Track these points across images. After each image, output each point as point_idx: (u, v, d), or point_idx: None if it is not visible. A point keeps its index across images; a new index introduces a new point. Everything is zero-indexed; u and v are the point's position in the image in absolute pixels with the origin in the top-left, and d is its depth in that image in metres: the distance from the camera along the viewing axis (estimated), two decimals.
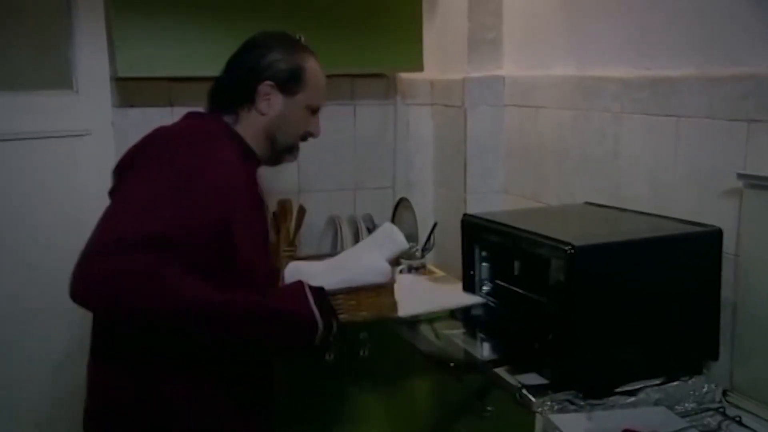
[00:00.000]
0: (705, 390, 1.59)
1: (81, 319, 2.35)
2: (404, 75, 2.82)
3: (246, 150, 1.56)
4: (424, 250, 2.58)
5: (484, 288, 1.94)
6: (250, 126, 1.56)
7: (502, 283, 1.84)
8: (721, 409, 1.56)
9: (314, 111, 1.61)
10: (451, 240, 1.97)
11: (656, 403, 1.56)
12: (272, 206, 2.52)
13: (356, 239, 2.64)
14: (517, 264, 1.84)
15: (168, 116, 2.57)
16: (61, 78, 2.31)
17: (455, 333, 1.98)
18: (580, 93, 2.14)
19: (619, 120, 1.99)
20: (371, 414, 2.43)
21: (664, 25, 1.85)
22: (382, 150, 2.81)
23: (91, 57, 2.33)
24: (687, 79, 1.75)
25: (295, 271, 1.63)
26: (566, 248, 1.53)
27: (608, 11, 2.06)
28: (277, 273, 1.63)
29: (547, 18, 2.34)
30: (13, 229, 2.17)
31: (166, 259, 1.24)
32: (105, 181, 2.44)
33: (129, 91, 2.49)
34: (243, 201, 1.44)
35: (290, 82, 1.55)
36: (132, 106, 2.52)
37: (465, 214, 1.98)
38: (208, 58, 2.37)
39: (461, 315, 2.01)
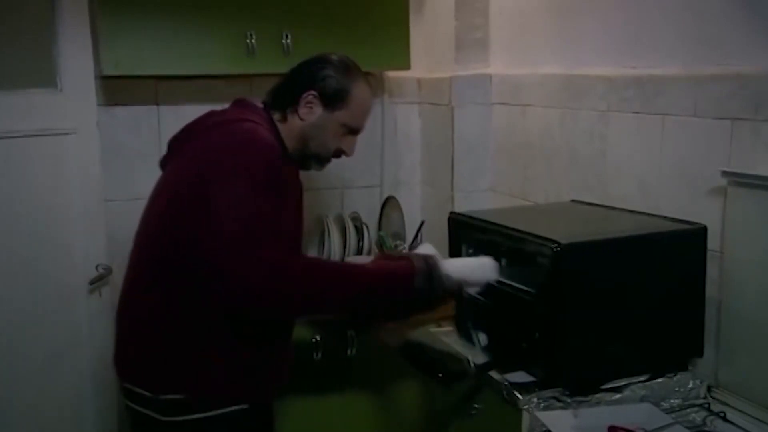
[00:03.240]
0: (690, 386, 1.61)
1: (69, 316, 2.35)
2: (391, 73, 2.81)
3: (282, 147, 1.68)
4: (412, 248, 2.58)
5: None
6: (287, 125, 1.70)
7: (489, 282, 1.84)
8: (705, 405, 1.57)
9: (352, 131, 1.74)
10: (439, 238, 1.97)
11: (642, 400, 1.57)
12: None
13: (344, 238, 2.64)
14: (504, 262, 1.84)
15: (154, 115, 2.56)
16: (45, 76, 2.29)
17: (443, 331, 1.98)
18: (568, 91, 2.15)
19: (606, 118, 2.00)
20: (359, 414, 2.43)
21: (651, 25, 1.87)
22: (370, 148, 2.81)
23: (76, 55, 2.31)
24: (673, 78, 1.76)
25: None
26: (552, 246, 1.53)
27: (595, 10, 2.06)
28: None
29: (535, 17, 2.34)
30: None
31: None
32: (91, 180, 2.44)
33: (114, 89, 2.48)
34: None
35: (333, 99, 1.68)
36: (117, 104, 2.50)
37: (452, 212, 1.98)
38: (194, 56, 2.37)
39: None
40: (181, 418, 1.56)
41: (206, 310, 1.54)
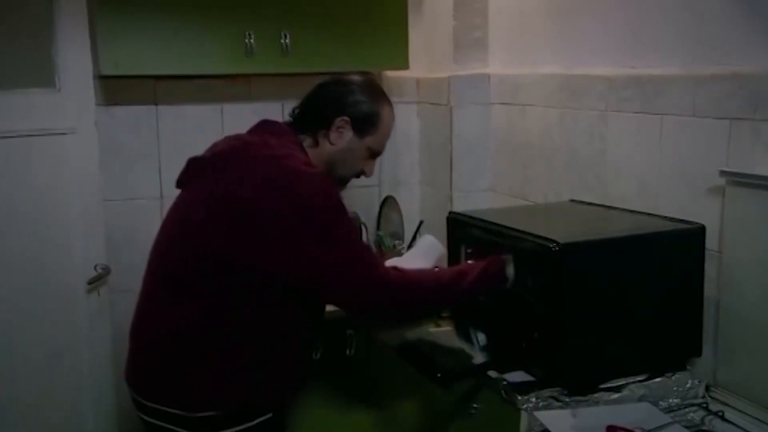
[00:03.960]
0: (688, 386, 1.61)
1: (68, 316, 2.35)
2: (390, 73, 2.82)
3: None
4: (410, 248, 2.58)
5: None
6: (318, 150, 1.69)
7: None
8: (704, 405, 1.57)
9: (374, 155, 1.75)
10: (438, 238, 1.97)
11: (640, 399, 1.57)
12: None
13: None
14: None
15: (153, 115, 2.56)
16: (43, 76, 2.29)
17: (442, 331, 1.98)
18: (567, 91, 2.15)
19: (605, 118, 2.00)
20: (357, 414, 2.43)
21: (651, 25, 1.87)
22: None
23: (75, 55, 2.31)
24: (672, 78, 1.76)
25: None
26: (552, 246, 1.53)
27: (595, 10, 2.07)
28: None
29: (534, 17, 2.34)
30: None
31: None
32: (90, 180, 2.44)
33: (113, 89, 2.48)
34: None
35: (364, 124, 1.69)
36: (116, 104, 2.50)
37: (451, 212, 1.98)
38: (192, 56, 2.37)
39: (449, 313, 2.02)
40: None
41: (236, 324, 1.55)
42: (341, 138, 1.68)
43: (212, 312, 1.54)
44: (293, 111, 1.74)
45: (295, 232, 1.50)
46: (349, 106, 1.68)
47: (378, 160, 1.80)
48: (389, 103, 1.75)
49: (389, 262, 1.96)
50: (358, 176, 1.77)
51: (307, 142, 1.69)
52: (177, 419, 1.56)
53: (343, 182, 1.76)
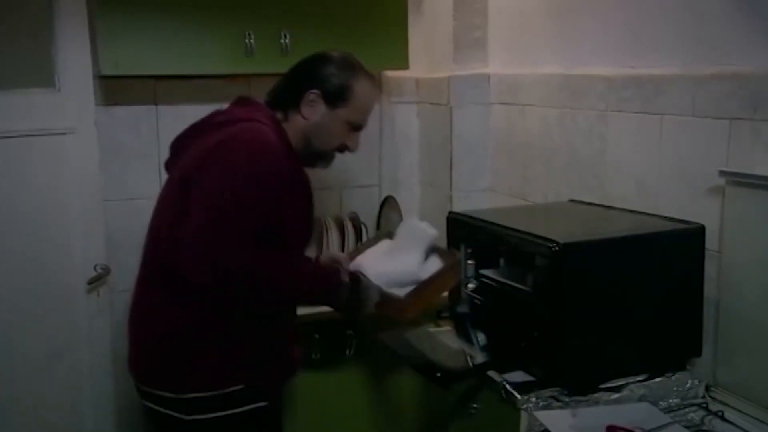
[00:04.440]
0: (688, 386, 1.61)
1: (68, 316, 2.35)
2: (390, 73, 2.81)
3: (288, 145, 1.70)
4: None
5: (470, 285, 1.94)
6: (294, 125, 1.71)
7: (488, 281, 1.84)
8: (704, 405, 1.57)
9: (356, 128, 1.74)
10: (438, 238, 1.97)
11: (640, 399, 1.57)
12: None
13: (342, 239, 2.64)
14: (502, 262, 1.85)
15: (153, 115, 2.56)
16: (43, 76, 2.29)
17: (441, 331, 1.98)
18: (567, 91, 2.15)
19: (605, 118, 2.00)
20: (357, 414, 2.43)
21: (651, 25, 1.87)
22: (368, 148, 2.80)
23: (74, 55, 2.31)
24: (672, 78, 1.76)
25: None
26: (551, 246, 1.54)
27: (595, 10, 2.07)
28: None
29: (534, 17, 2.34)
30: None
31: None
32: (90, 180, 2.44)
33: (112, 89, 2.47)
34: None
35: (335, 97, 1.69)
36: (116, 104, 2.50)
37: (450, 212, 1.99)
38: (192, 56, 2.37)
39: (448, 313, 2.02)
40: (204, 417, 1.59)
41: (227, 307, 1.58)
42: (315, 111, 1.69)
43: (194, 297, 1.57)
44: (272, 88, 1.76)
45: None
46: (320, 80, 1.69)
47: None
48: (365, 76, 1.74)
49: (378, 246, 1.96)
50: (341, 151, 1.77)
51: (279, 116, 1.71)
52: (170, 402, 1.60)
53: (325, 157, 1.77)
